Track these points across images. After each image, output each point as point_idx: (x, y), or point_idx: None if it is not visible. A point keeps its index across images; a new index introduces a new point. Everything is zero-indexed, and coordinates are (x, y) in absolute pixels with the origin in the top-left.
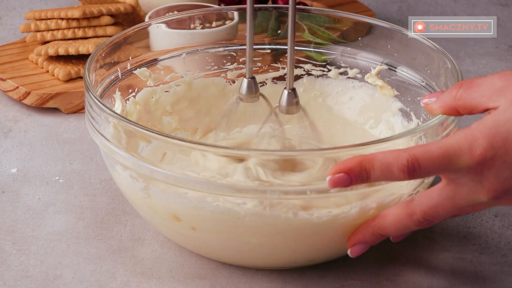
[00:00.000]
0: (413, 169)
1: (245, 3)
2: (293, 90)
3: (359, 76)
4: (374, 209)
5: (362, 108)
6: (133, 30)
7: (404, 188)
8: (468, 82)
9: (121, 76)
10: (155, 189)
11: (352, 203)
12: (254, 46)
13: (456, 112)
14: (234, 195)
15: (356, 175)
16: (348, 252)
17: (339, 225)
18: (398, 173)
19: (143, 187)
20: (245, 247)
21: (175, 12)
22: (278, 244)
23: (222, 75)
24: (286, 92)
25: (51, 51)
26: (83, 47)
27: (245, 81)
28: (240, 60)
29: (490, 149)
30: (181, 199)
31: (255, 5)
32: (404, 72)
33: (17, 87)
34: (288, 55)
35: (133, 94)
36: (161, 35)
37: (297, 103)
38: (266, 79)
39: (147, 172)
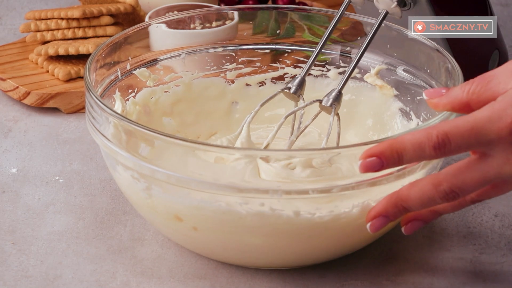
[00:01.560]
0: (443, 144)
1: (245, 3)
2: (340, 92)
3: (358, 76)
4: None
5: (362, 108)
6: (133, 30)
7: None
8: (479, 77)
9: (121, 76)
10: (157, 189)
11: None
12: (253, 46)
13: (468, 107)
14: (236, 195)
15: (387, 158)
16: (368, 226)
17: (340, 224)
18: (430, 150)
19: (145, 188)
20: (247, 247)
21: (175, 12)
22: (279, 244)
23: (221, 75)
24: (336, 91)
25: (51, 51)
26: (83, 47)
27: (299, 78)
28: (240, 60)
29: None
30: (183, 199)
31: (255, 5)
32: (404, 72)
33: (17, 87)
34: (354, 60)
35: (133, 94)
36: (161, 35)
37: (338, 104)
38: (266, 79)
39: (148, 172)
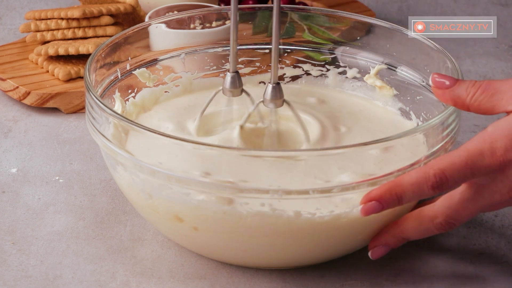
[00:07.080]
0: (441, 183)
1: (245, 3)
2: (278, 84)
3: (358, 76)
4: None
5: (361, 108)
6: (133, 30)
7: None
8: (486, 85)
9: (121, 76)
10: (157, 189)
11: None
12: (253, 46)
13: (467, 109)
14: (236, 195)
15: (387, 201)
16: (369, 254)
17: (341, 224)
18: (428, 190)
19: (145, 188)
20: (247, 247)
21: (175, 12)
22: (280, 243)
23: (221, 75)
24: (270, 86)
25: (51, 51)
26: (83, 47)
27: (228, 76)
28: (239, 60)
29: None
30: (183, 199)
31: (255, 5)
32: (404, 72)
33: (17, 87)
34: (272, 51)
35: (133, 94)
36: (161, 35)
37: (281, 97)
38: (265, 79)
39: (148, 173)
